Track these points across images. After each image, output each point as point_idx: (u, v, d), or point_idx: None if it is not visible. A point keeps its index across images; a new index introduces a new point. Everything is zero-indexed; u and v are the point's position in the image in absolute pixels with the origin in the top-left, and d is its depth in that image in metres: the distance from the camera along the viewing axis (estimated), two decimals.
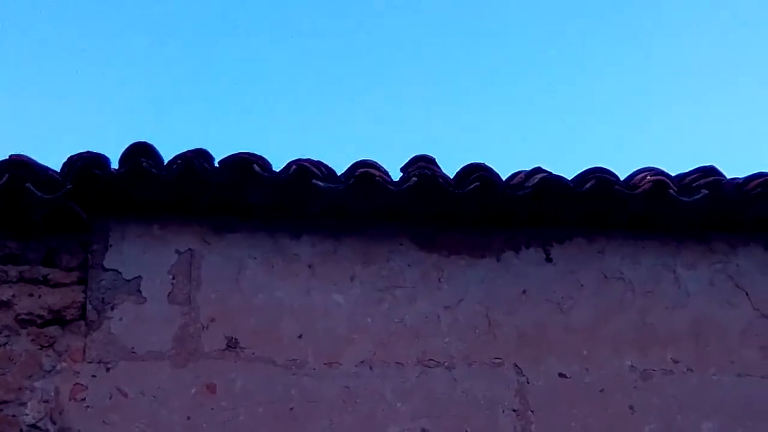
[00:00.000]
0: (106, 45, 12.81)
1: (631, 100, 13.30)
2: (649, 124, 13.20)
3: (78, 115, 12.65)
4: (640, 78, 13.33)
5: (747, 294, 4.59)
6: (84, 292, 4.28)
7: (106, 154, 4.29)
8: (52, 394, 4.13)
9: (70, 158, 4.26)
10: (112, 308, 4.27)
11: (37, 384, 4.14)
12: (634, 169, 4.62)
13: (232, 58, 13.26)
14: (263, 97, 13.43)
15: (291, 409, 4.21)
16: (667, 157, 12.06)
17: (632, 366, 4.42)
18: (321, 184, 4.28)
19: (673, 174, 4.61)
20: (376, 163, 4.41)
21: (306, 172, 4.28)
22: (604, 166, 4.48)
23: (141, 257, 4.36)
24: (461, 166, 4.46)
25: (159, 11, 12.86)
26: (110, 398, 4.15)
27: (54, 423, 4.08)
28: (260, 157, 4.31)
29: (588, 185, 4.41)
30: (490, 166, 4.43)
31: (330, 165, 4.46)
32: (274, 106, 13.18)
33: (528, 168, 4.59)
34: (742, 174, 4.63)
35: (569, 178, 4.45)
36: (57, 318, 4.23)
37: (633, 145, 12.60)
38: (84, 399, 4.14)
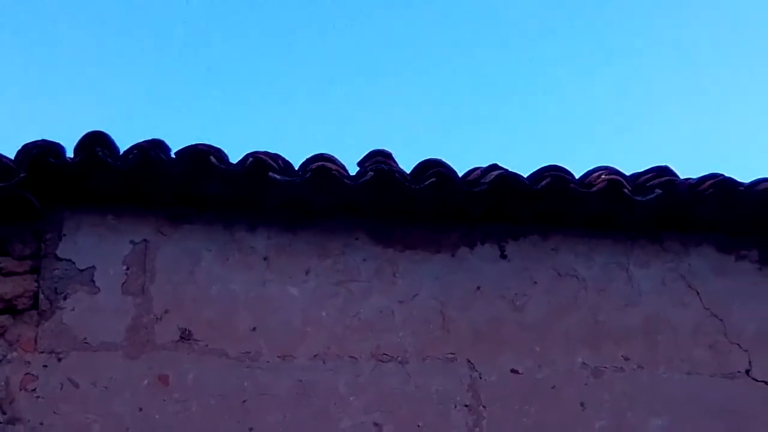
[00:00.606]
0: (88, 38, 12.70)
1: (599, 99, 13.39)
2: (609, 123, 13.30)
3: (45, 101, 12.53)
4: (608, 77, 13.42)
5: (698, 294, 4.63)
6: (37, 281, 4.26)
7: (62, 143, 4.28)
8: (3, 383, 4.10)
9: (25, 146, 4.23)
10: (65, 298, 4.25)
11: None
12: (590, 168, 4.65)
13: (221, 57, 13.21)
14: (244, 95, 13.37)
15: (244, 401, 4.21)
16: (624, 156, 12.17)
17: (584, 363, 4.45)
18: (277, 177, 4.27)
19: (627, 173, 4.65)
20: (332, 156, 4.42)
21: (262, 165, 4.27)
22: (560, 165, 4.51)
23: (95, 247, 4.34)
24: (418, 162, 4.47)
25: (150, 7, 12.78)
26: (61, 388, 4.13)
27: (4, 413, 4.06)
28: (217, 149, 4.30)
29: (543, 183, 4.43)
30: (446, 162, 4.45)
31: (287, 158, 4.46)
32: (241, 99, 13.14)
33: (485, 165, 4.60)
34: (696, 175, 4.68)
35: (525, 176, 4.47)
36: (8, 307, 4.20)
37: (592, 143, 12.69)
38: (35, 389, 4.12)
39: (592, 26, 13.32)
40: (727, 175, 4.58)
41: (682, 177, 4.65)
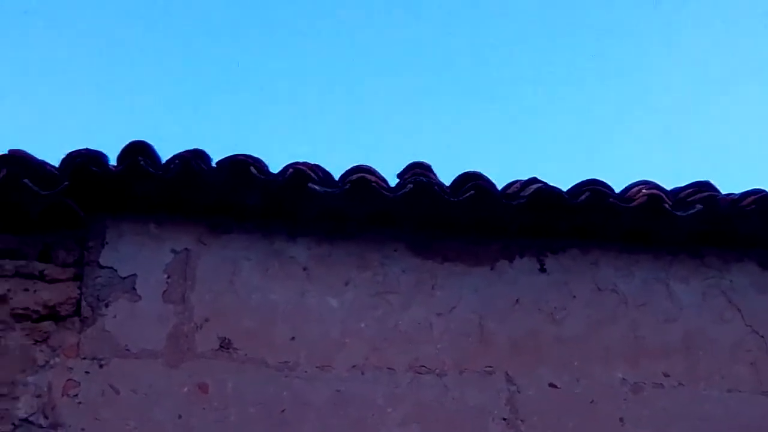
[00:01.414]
0: (109, 43, 12.83)
1: (633, 112, 13.33)
2: (648, 136, 13.24)
3: (82, 113, 12.65)
4: (643, 90, 13.36)
5: (739, 310, 4.61)
6: (79, 288, 4.30)
7: (105, 152, 4.33)
8: (45, 389, 4.13)
9: (69, 155, 4.28)
10: (107, 305, 4.28)
11: (30, 379, 4.14)
12: (630, 182, 4.64)
13: (235, 59, 13.29)
14: (264, 100, 13.44)
15: (282, 411, 4.22)
16: (664, 170, 12.11)
17: (623, 378, 4.43)
18: (317, 188, 4.30)
19: (668, 188, 4.63)
20: (372, 168, 4.44)
21: (302, 176, 4.30)
22: (599, 179, 4.51)
23: (137, 255, 4.37)
24: (457, 174, 4.48)
25: (161, 10, 12.88)
26: (102, 395, 4.16)
27: (46, 417, 4.09)
28: (257, 159, 4.34)
29: (582, 197, 4.43)
30: (485, 174, 4.45)
31: (327, 169, 4.48)
32: (278, 108, 13.20)
33: (524, 178, 4.61)
34: (738, 190, 4.66)
35: (564, 190, 4.47)
36: (51, 314, 4.24)
37: (633, 157, 12.64)
38: (76, 395, 4.15)
39: (641, 32, 13.24)
40: None
41: (723, 192, 4.63)
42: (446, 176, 4.53)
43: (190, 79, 13.27)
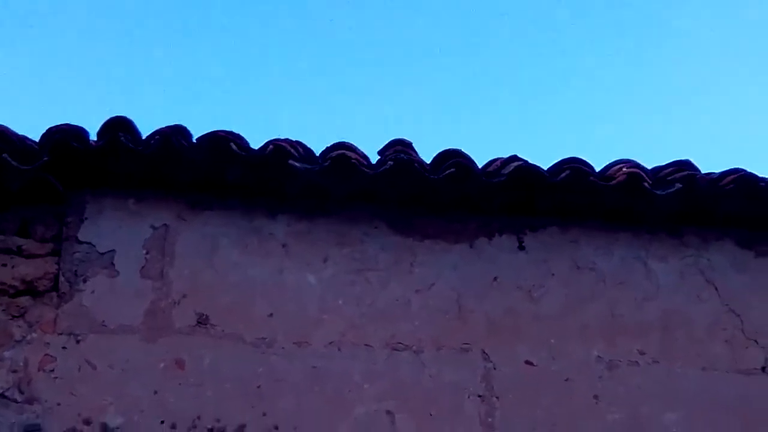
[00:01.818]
0: (99, 21, 12.78)
1: (619, 94, 13.31)
2: (634, 116, 13.22)
3: (69, 87, 12.63)
4: (627, 74, 13.34)
5: (716, 288, 4.62)
6: (57, 263, 4.31)
7: (86, 128, 4.33)
8: (21, 364, 4.15)
9: (49, 130, 4.27)
10: (85, 281, 4.30)
11: (6, 354, 4.16)
12: (611, 161, 4.64)
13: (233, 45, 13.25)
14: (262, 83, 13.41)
15: (258, 387, 4.25)
16: (648, 150, 12.13)
17: (599, 356, 4.45)
18: (297, 164, 4.30)
19: (648, 167, 4.63)
20: (353, 145, 4.44)
21: (282, 152, 4.30)
22: (580, 157, 4.51)
23: (116, 231, 4.39)
24: (438, 152, 4.49)
25: None
26: (79, 370, 4.19)
27: (22, 392, 4.12)
28: (238, 136, 4.34)
29: (563, 175, 4.43)
30: (466, 152, 4.46)
31: (308, 145, 4.48)
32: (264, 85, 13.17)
33: (505, 156, 4.61)
34: (719, 169, 4.67)
35: (545, 168, 4.48)
36: (29, 289, 4.26)
37: (617, 137, 12.65)
38: (53, 370, 4.18)
39: (622, 15, 13.22)
40: (748, 170, 4.56)
41: (703, 171, 4.63)
42: (428, 154, 4.55)
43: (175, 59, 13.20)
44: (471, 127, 12.58)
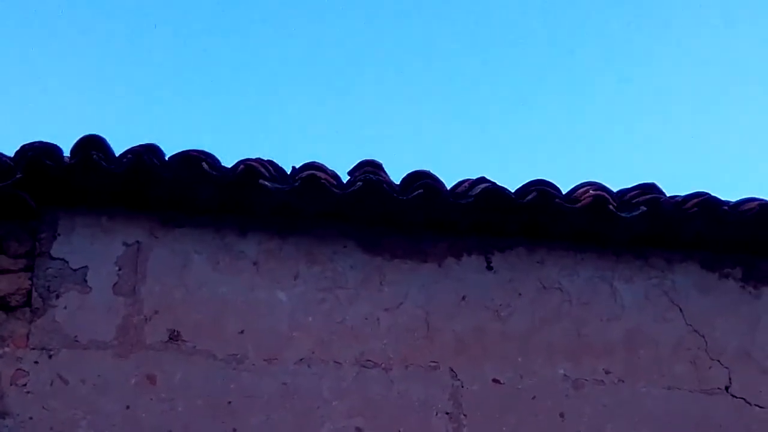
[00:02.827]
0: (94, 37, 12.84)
1: (594, 114, 13.46)
2: (607, 138, 13.36)
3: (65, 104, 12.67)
4: (603, 93, 13.49)
5: (681, 309, 4.71)
6: (30, 279, 4.34)
7: (60, 145, 4.38)
8: None
9: (23, 147, 4.31)
10: (58, 296, 4.34)
11: None
12: (577, 183, 4.73)
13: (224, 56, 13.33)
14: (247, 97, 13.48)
15: (229, 403, 4.30)
16: (622, 172, 12.26)
17: (565, 375, 4.53)
18: (268, 184, 4.36)
19: (615, 189, 4.72)
20: (323, 165, 4.51)
21: (253, 172, 4.36)
22: (547, 179, 4.59)
23: (88, 247, 4.43)
24: (407, 173, 4.56)
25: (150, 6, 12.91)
26: (51, 384, 4.22)
27: None
28: (209, 155, 4.40)
29: (529, 197, 4.51)
30: (434, 174, 4.53)
31: (280, 165, 4.55)
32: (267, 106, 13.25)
33: (474, 177, 4.69)
34: (686, 191, 4.76)
35: (512, 190, 4.56)
36: (2, 304, 4.28)
37: (587, 158, 12.78)
38: (25, 384, 4.21)
39: (592, 38, 13.39)
40: (712, 194, 4.66)
41: (668, 194, 4.72)
42: (399, 173, 4.64)
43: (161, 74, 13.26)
44: (442, 147, 12.66)
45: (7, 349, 4.25)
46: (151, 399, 4.26)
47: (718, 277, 4.80)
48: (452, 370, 4.47)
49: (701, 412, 4.56)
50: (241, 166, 4.37)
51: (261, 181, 4.36)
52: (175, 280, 4.44)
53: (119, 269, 4.42)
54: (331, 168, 4.58)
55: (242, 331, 4.40)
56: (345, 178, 4.58)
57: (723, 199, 4.68)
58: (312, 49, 13.33)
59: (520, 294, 4.63)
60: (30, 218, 4.41)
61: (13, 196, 4.29)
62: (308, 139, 12.28)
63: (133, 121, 12.03)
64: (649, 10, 13.03)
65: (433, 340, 4.51)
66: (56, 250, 4.41)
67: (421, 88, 13.31)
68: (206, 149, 4.43)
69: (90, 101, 12.67)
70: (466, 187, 4.61)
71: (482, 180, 4.59)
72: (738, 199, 4.72)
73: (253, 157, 4.47)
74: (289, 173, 4.53)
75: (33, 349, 4.27)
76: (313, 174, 4.39)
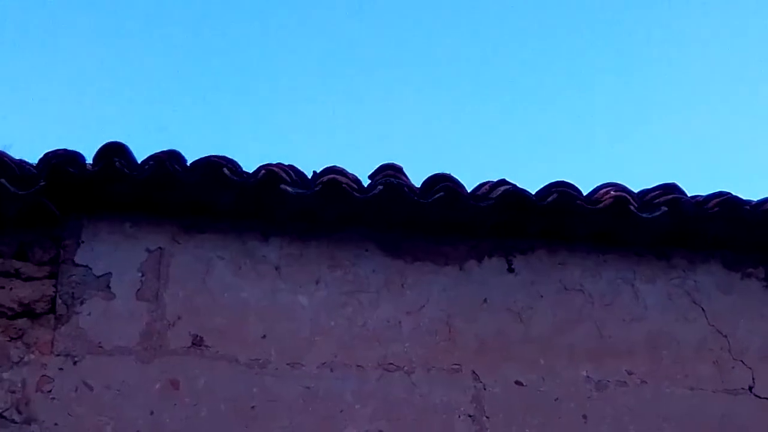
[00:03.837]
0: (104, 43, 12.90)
1: (611, 114, 13.42)
2: (628, 138, 13.32)
3: (76, 109, 12.73)
4: (621, 93, 13.45)
5: (703, 310, 4.70)
6: (54, 286, 4.38)
7: (82, 152, 4.41)
8: (19, 385, 4.22)
9: (46, 155, 4.36)
10: (82, 303, 4.37)
11: (4, 375, 4.23)
12: (598, 184, 4.72)
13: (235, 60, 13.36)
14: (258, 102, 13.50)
15: (252, 407, 4.32)
16: (644, 170, 12.23)
17: (588, 376, 4.53)
18: (289, 189, 4.38)
19: (635, 190, 4.71)
20: (343, 169, 4.52)
21: (274, 177, 4.38)
22: (567, 181, 4.59)
23: (112, 254, 4.46)
24: (427, 176, 4.57)
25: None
26: (76, 391, 4.26)
27: (20, 413, 4.18)
28: (231, 161, 4.42)
29: (550, 199, 4.51)
30: (455, 176, 4.54)
31: (300, 169, 4.57)
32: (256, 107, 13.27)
33: (494, 179, 4.69)
34: (707, 191, 4.75)
35: (533, 192, 4.56)
36: (27, 311, 4.32)
37: (611, 157, 12.74)
38: (50, 391, 4.24)
39: (611, 40, 13.35)
40: (733, 193, 4.65)
41: (690, 194, 4.71)
42: (419, 176, 4.65)
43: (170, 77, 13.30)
44: (463, 150, 12.66)
45: (32, 355, 4.28)
46: (175, 404, 4.29)
47: (741, 276, 4.79)
48: (474, 372, 4.48)
49: (724, 413, 4.55)
50: (263, 171, 4.39)
51: (282, 186, 4.38)
52: (198, 285, 4.46)
53: (142, 275, 4.45)
54: (351, 172, 4.59)
55: (265, 336, 4.42)
56: (366, 182, 4.59)
57: (745, 198, 4.66)
58: (329, 53, 13.36)
59: (541, 296, 4.64)
60: (54, 225, 4.44)
61: (37, 203, 4.33)
62: (327, 144, 12.28)
63: (149, 128, 12.05)
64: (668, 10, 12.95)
65: (455, 343, 4.52)
66: (80, 256, 4.44)
67: (441, 92, 13.33)
68: (227, 155, 4.44)
69: (104, 106, 12.71)
70: (487, 189, 4.61)
71: (503, 182, 4.59)
72: (760, 198, 4.70)
73: (274, 162, 4.48)
74: (310, 178, 4.54)
75: (57, 355, 4.30)
76: (334, 178, 4.40)
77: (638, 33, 13.32)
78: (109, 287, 4.41)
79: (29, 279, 4.38)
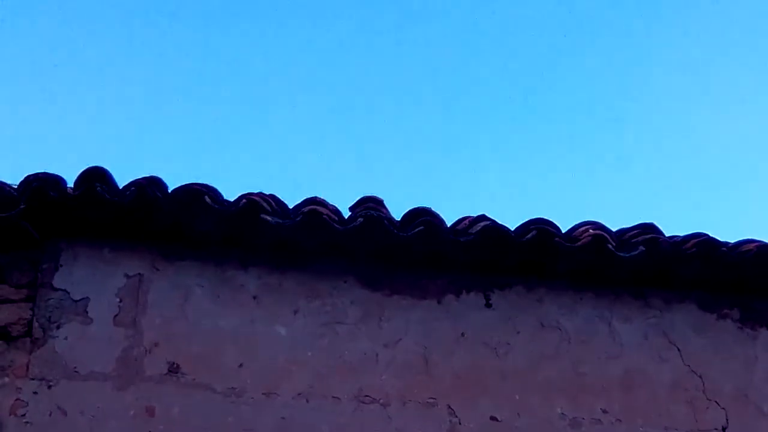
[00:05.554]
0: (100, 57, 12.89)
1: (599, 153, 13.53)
2: (607, 178, 13.41)
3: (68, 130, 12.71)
4: (602, 133, 13.57)
5: (679, 350, 4.72)
6: (32, 309, 4.37)
7: (63, 176, 4.41)
8: None
9: (27, 178, 4.36)
10: (58, 327, 4.36)
11: None
12: (577, 222, 4.76)
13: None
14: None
15: None
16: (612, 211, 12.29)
17: (562, 413, 4.53)
18: (269, 218, 4.39)
19: (614, 229, 4.75)
20: (324, 200, 4.55)
21: (255, 206, 4.39)
22: (546, 218, 4.62)
23: (90, 279, 4.45)
24: (407, 210, 4.59)
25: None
26: (50, 415, 4.23)
27: None
28: (212, 189, 4.44)
29: (529, 236, 4.54)
30: (435, 211, 4.57)
31: (281, 199, 4.58)
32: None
33: (474, 214, 4.72)
34: (683, 232, 4.79)
35: (512, 228, 4.58)
36: (3, 333, 4.31)
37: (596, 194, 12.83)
38: (24, 414, 4.22)
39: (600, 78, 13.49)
40: (710, 235, 4.69)
41: (667, 234, 4.75)
42: (401, 210, 4.69)
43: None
44: (442, 185, 12.71)
45: (6, 379, 4.26)
46: (150, 431, 4.26)
47: (716, 317, 4.82)
48: (450, 407, 4.48)
49: None
50: (243, 200, 4.40)
51: (263, 215, 4.39)
52: (176, 312, 4.46)
53: (120, 301, 4.44)
54: (332, 203, 4.60)
55: (241, 365, 4.42)
56: (346, 214, 4.61)
57: (721, 240, 4.70)
58: (313, 84, 13.40)
59: (518, 332, 4.65)
60: (33, 249, 4.44)
61: (17, 226, 4.33)
62: (308, 175, 12.29)
63: (130, 153, 12.02)
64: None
65: (431, 377, 4.52)
66: (58, 280, 4.43)
67: (422, 127, 13.37)
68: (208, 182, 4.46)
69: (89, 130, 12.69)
70: (467, 224, 4.64)
71: (483, 218, 4.62)
72: (736, 240, 4.75)
73: (255, 192, 4.50)
74: (290, 208, 4.55)
75: (33, 379, 4.28)
76: (314, 209, 4.42)
77: (613, 72, 13.39)
78: (86, 312, 4.40)
79: (6, 301, 4.37)
